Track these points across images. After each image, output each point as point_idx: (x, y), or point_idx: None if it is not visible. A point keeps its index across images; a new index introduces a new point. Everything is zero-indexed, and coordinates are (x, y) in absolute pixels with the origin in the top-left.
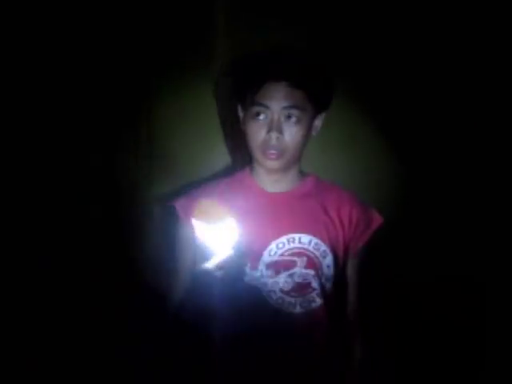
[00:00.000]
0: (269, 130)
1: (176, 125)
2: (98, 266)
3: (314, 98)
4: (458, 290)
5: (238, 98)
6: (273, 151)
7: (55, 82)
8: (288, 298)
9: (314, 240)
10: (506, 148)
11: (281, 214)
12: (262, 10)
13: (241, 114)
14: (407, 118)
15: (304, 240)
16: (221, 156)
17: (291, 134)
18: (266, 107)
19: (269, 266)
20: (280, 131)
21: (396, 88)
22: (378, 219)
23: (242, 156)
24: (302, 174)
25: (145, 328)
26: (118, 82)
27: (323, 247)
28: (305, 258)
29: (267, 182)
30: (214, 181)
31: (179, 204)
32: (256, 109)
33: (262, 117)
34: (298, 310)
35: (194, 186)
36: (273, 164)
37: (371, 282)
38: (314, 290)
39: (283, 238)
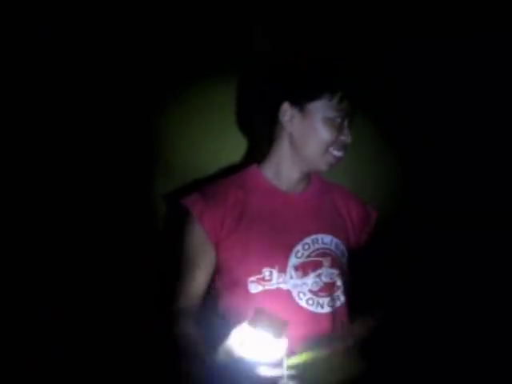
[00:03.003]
0: (341, 135)
1: (180, 125)
2: (100, 267)
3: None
4: (456, 287)
5: (296, 99)
6: (341, 153)
7: (60, 82)
8: (317, 298)
9: (335, 240)
10: (505, 148)
11: (302, 215)
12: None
13: (288, 113)
14: (409, 119)
15: (326, 240)
16: (223, 156)
17: (350, 137)
18: (346, 115)
19: (297, 267)
20: (349, 135)
21: (398, 88)
22: (374, 213)
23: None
24: None
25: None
26: (124, 82)
27: (342, 246)
28: (329, 258)
29: (284, 183)
30: (223, 180)
31: (192, 201)
32: (337, 114)
33: (340, 120)
34: (325, 309)
35: (196, 184)
36: (331, 165)
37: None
38: (339, 288)
39: (308, 239)
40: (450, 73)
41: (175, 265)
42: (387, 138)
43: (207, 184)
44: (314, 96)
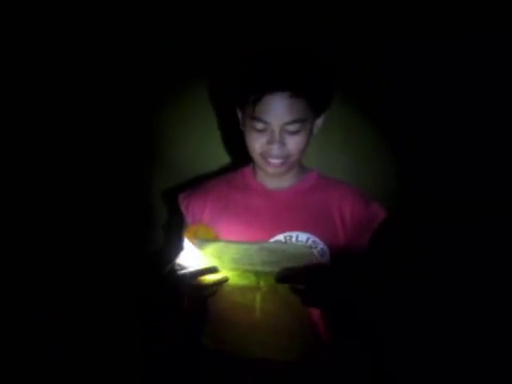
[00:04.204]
0: (269, 142)
1: (180, 123)
2: (99, 264)
3: (316, 104)
4: (456, 286)
5: (236, 101)
6: (275, 160)
7: (61, 82)
8: None
9: (312, 238)
10: (505, 147)
11: (279, 211)
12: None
13: (239, 114)
14: (407, 118)
15: (301, 238)
16: (224, 153)
17: (293, 142)
18: (266, 123)
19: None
20: (282, 142)
21: (396, 87)
22: (380, 214)
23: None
24: (304, 170)
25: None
26: (124, 81)
27: (321, 245)
28: None
29: (267, 179)
30: (217, 177)
31: (182, 197)
32: (255, 123)
33: (261, 129)
34: None
35: (195, 181)
36: (275, 171)
37: (372, 278)
38: None
39: (280, 236)
40: (448, 71)
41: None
42: (385, 137)
43: (202, 181)
44: (240, 100)
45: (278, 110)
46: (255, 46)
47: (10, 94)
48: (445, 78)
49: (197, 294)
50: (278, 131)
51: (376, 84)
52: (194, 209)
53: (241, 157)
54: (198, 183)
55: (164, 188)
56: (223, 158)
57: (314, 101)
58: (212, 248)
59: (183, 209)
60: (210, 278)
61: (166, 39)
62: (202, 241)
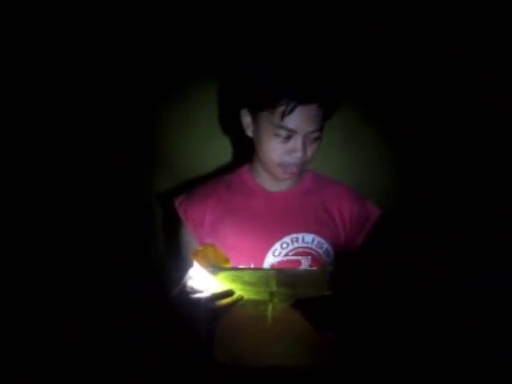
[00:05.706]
0: (292, 151)
1: (181, 125)
2: (99, 264)
3: (329, 113)
4: (455, 288)
5: (251, 107)
6: (294, 169)
7: (62, 82)
8: None
9: (317, 239)
10: (504, 148)
11: (283, 214)
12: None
13: (246, 119)
14: (408, 120)
15: (307, 239)
16: (225, 154)
17: (312, 149)
18: (294, 132)
19: (274, 266)
20: (305, 151)
21: (396, 90)
22: (375, 211)
23: (241, 153)
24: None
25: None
26: (125, 82)
27: (326, 245)
28: (309, 257)
29: (268, 182)
30: (214, 179)
31: (178, 202)
32: (281, 131)
33: (285, 136)
34: None
35: (195, 183)
36: (290, 177)
37: (370, 276)
38: None
39: (287, 238)
40: (448, 74)
41: (173, 261)
42: (385, 138)
43: (198, 184)
44: (259, 106)
45: (304, 119)
46: (257, 48)
47: (11, 94)
48: (443, 78)
49: (213, 315)
50: (302, 139)
51: (375, 85)
52: (194, 214)
53: (241, 158)
54: (193, 186)
55: (165, 188)
56: (224, 159)
57: (329, 111)
58: (226, 274)
59: (181, 214)
60: (225, 300)
61: (166, 40)
62: (215, 268)
